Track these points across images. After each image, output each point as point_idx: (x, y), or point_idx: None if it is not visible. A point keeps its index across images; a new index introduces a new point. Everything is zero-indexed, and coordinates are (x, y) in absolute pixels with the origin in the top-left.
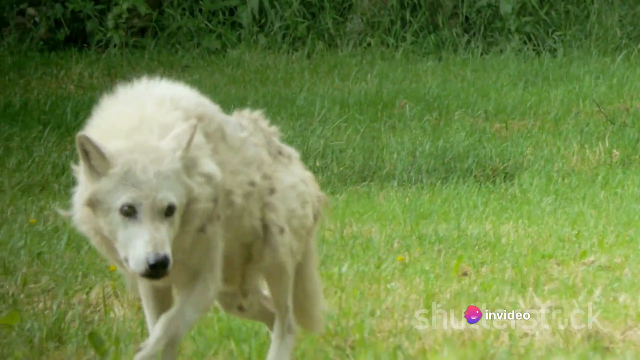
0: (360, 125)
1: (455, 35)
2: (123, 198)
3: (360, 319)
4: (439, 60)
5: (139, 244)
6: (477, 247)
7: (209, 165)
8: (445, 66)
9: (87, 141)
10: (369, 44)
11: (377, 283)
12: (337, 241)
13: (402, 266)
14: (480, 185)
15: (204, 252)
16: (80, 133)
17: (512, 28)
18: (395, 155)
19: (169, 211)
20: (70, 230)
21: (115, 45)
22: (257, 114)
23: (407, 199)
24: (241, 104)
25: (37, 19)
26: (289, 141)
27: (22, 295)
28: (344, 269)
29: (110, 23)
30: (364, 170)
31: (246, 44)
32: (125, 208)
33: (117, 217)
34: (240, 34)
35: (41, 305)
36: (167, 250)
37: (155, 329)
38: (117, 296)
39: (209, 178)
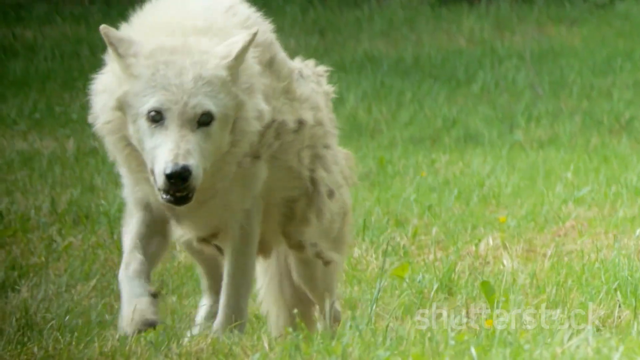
0: None
1: None
2: (151, 102)
3: None
4: None
5: (161, 154)
6: None
7: (261, 102)
8: None
9: (109, 33)
10: None
11: None
12: None
13: None
14: None
15: (241, 190)
16: (103, 26)
17: None
18: None
19: (205, 120)
20: (460, 183)
21: None
22: (322, 69)
23: None
24: (629, 57)
25: None
26: None
27: (413, 247)
28: None
29: None
30: None
31: None
32: (153, 113)
33: (144, 123)
34: None
35: (431, 256)
36: (191, 162)
37: (220, 310)
38: (505, 248)
39: (260, 114)
